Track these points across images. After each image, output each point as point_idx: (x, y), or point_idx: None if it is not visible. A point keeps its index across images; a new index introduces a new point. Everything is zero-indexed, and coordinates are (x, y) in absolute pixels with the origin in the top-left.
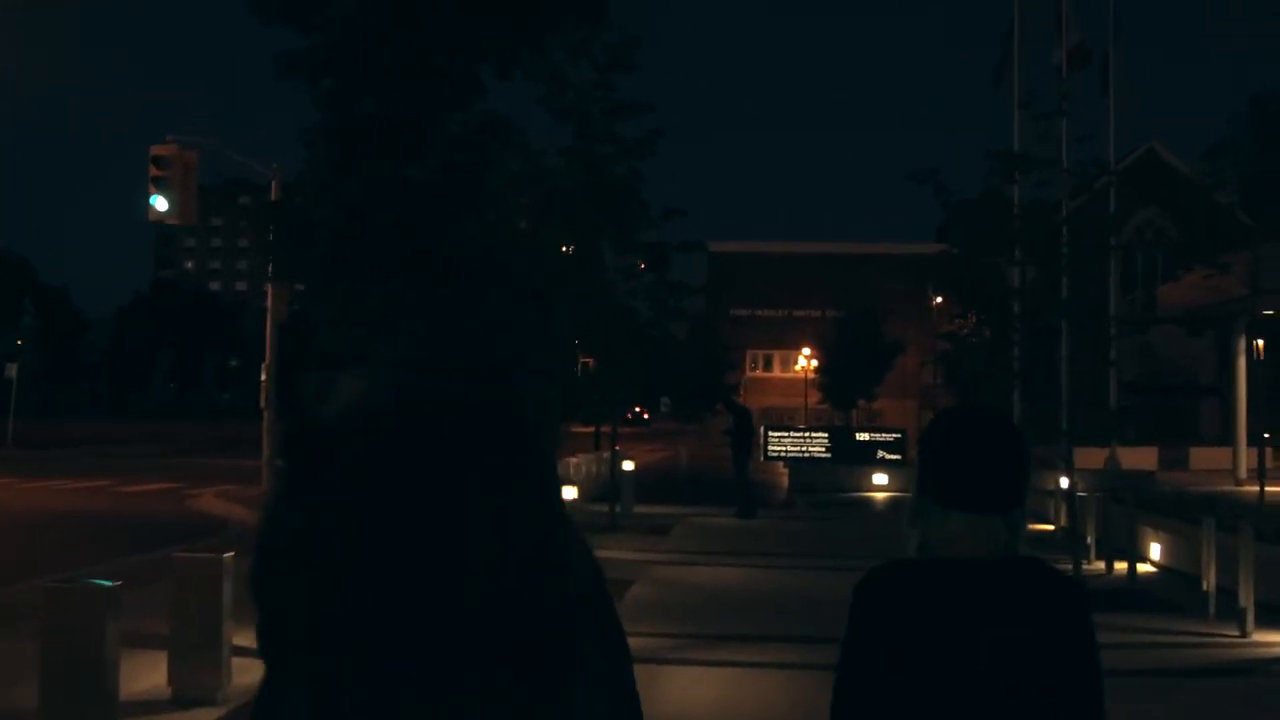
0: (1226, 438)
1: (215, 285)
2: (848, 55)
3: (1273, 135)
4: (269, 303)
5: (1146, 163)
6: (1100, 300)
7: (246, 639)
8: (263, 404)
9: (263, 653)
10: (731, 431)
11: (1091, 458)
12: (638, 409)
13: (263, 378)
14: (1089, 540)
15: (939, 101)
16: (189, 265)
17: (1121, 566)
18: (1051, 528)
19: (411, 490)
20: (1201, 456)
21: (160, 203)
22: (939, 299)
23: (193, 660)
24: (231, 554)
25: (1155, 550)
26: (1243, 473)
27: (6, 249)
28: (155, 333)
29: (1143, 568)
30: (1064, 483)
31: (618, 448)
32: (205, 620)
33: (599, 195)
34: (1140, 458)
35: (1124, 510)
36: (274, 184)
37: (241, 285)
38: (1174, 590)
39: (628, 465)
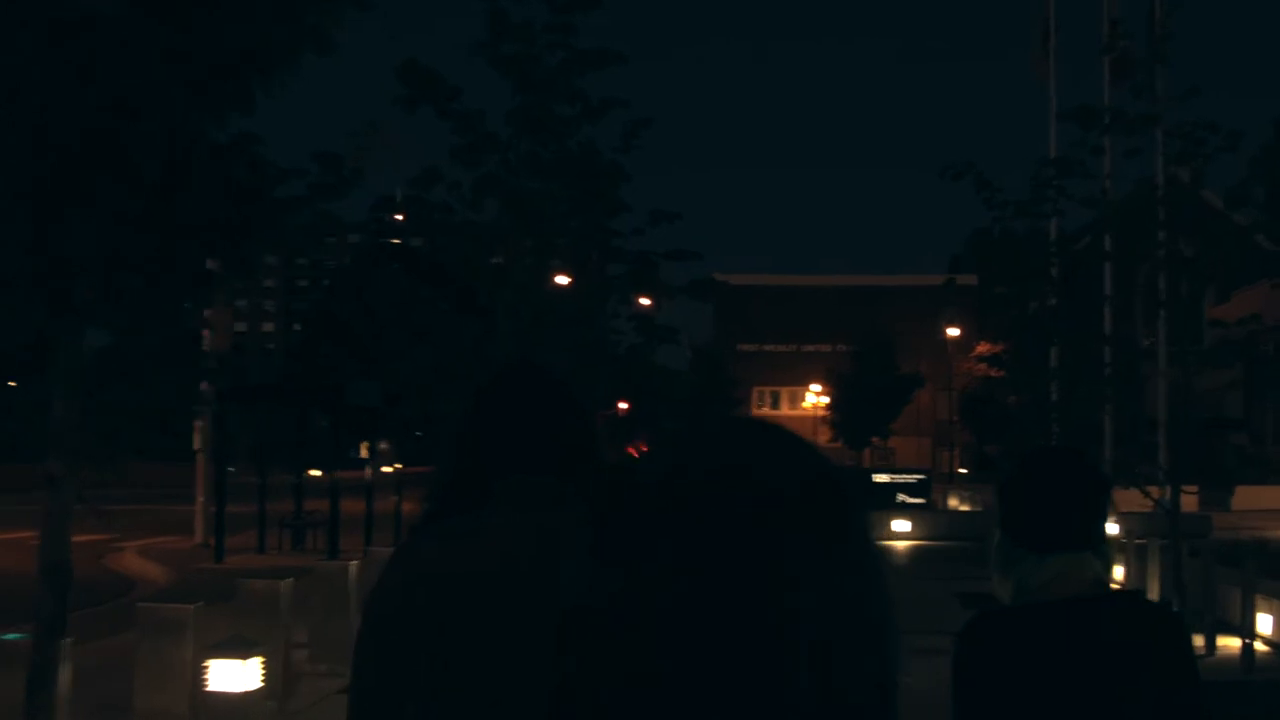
0: (1261, 475)
1: None
2: (856, 87)
3: None
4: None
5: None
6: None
7: None
8: (196, 444)
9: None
10: None
11: (1127, 499)
12: (643, 446)
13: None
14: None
15: (952, 136)
16: None
17: (1228, 644)
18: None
19: (740, 567)
20: (1247, 496)
21: None
22: (955, 331)
23: None
24: None
25: (1266, 623)
26: None
27: None
28: None
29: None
30: (1112, 529)
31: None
32: None
33: (561, 173)
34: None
35: (1203, 564)
36: None
37: None
38: None
39: None
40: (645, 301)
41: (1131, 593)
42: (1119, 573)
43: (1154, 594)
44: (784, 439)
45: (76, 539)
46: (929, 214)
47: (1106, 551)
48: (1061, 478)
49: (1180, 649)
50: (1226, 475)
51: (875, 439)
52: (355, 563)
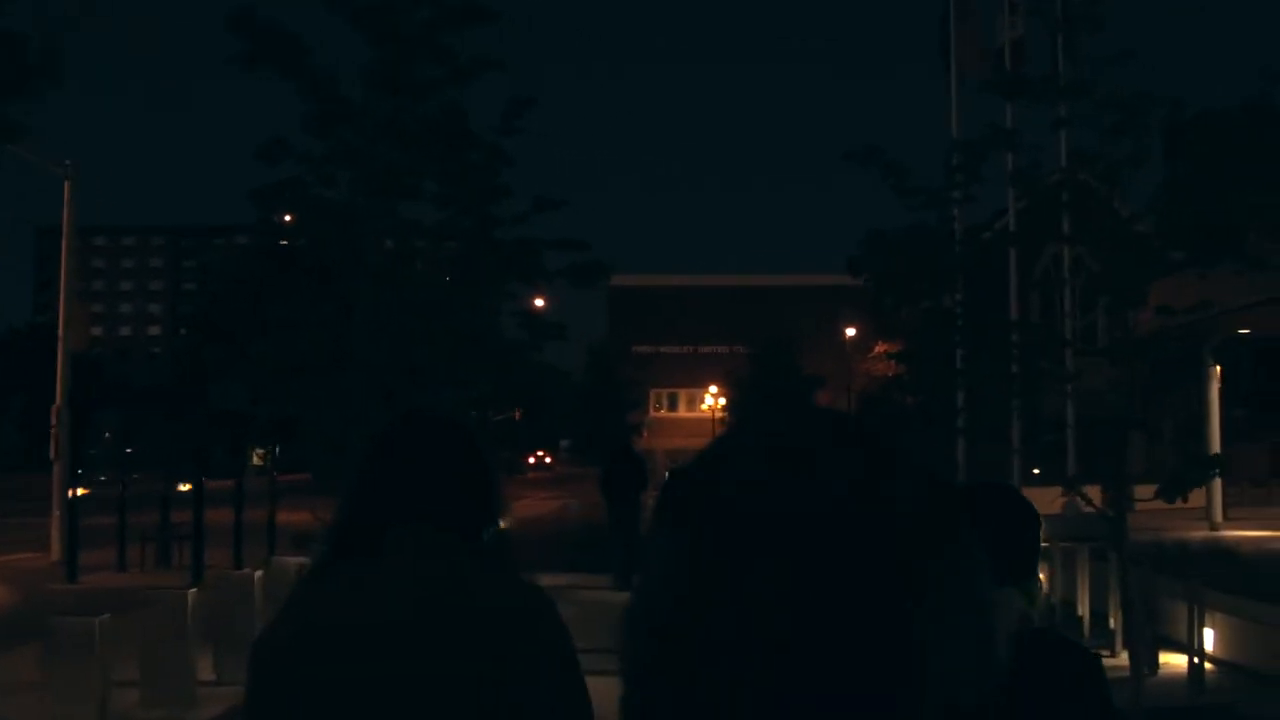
0: (1154, 473)
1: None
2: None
3: (1189, 156)
4: (60, 330)
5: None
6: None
7: None
8: (53, 453)
9: None
10: (604, 478)
11: (1040, 500)
12: (540, 453)
13: (52, 423)
14: (1111, 623)
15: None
16: None
17: (1172, 661)
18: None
19: (863, 594)
20: (1148, 495)
21: None
22: (852, 331)
23: None
24: None
25: (1209, 638)
26: (1218, 515)
27: None
28: None
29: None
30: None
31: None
32: None
33: (426, 144)
34: (1047, 499)
35: (1142, 574)
36: (66, 185)
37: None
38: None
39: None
40: (538, 302)
41: (1046, 630)
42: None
43: (1084, 606)
44: (878, 433)
45: None
46: (824, 215)
47: (1033, 588)
48: (990, 513)
49: (1101, 695)
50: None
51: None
52: (192, 591)
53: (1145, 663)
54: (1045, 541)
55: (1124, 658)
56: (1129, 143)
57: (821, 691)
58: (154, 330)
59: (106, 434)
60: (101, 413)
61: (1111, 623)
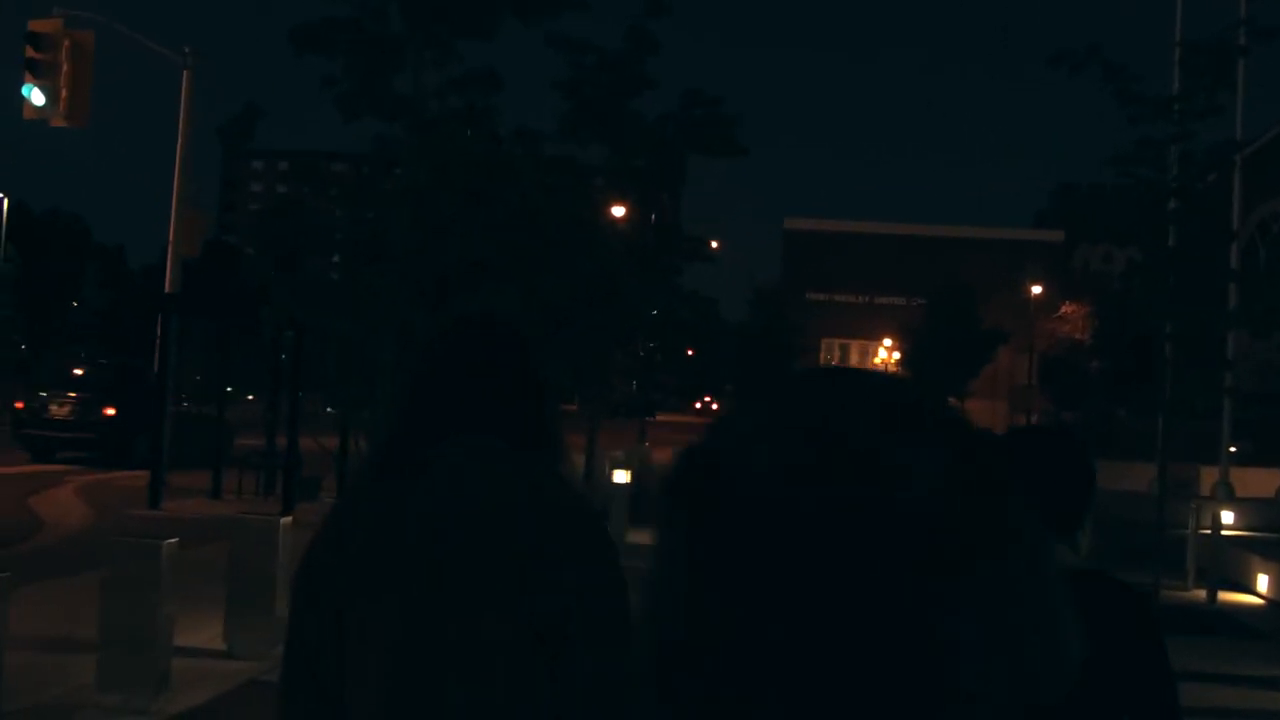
0: None
1: None
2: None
3: None
4: (170, 235)
5: (1274, 149)
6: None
7: None
8: (156, 365)
9: None
10: None
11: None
12: (706, 398)
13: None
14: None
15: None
16: None
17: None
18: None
19: (890, 593)
20: None
21: (37, 95)
22: (1037, 289)
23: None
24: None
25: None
26: None
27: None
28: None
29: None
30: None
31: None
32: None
33: None
34: (1260, 482)
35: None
36: (185, 74)
37: None
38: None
39: (619, 476)
40: (713, 244)
41: (1095, 572)
42: None
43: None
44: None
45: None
46: (1010, 166)
47: (1079, 538)
48: (1033, 461)
49: (1154, 635)
50: None
51: (953, 400)
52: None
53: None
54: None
55: None
56: None
57: (860, 693)
58: None
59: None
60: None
61: None
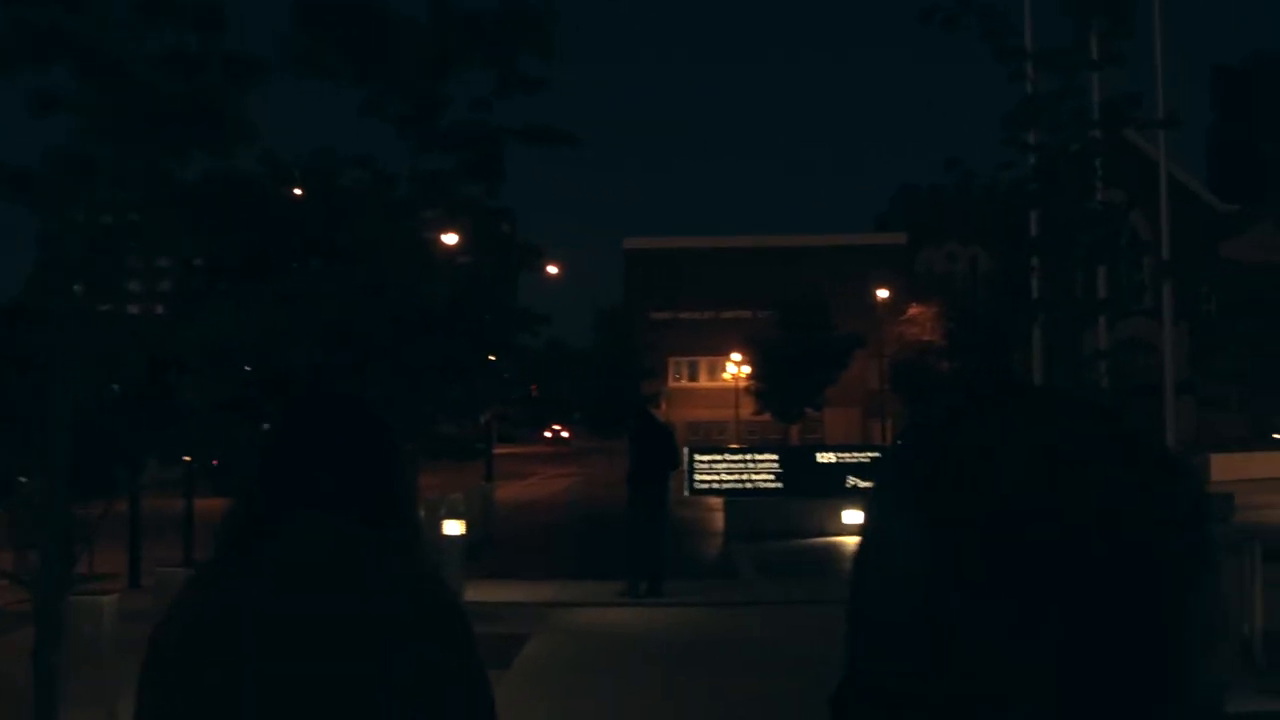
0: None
1: None
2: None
3: (1237, 107)
4: None
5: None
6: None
7: None
8: None
9: None
10: (634, 456)
11: None
12: (556, 426)
13: None
14: None
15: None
16: None
17: None
18: None
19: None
20: (1224, 465)
21: None
22: (884, 293)
23: None
24: None
25: None
26: None
27: None
28: None
29: None
30: None
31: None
32: None
33: None
34: None
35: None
36: None
37: None
38: None
39: (450, 528)
40: (550, 269)
41: None
42: None
43: None
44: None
45: None
46: (848, 171)
47: None
48: None
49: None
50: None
51: (809, 410)
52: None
53: None
54: None
55: None
56: None
57: (1091, 705)
58: None
59: None
60: None
61: None
